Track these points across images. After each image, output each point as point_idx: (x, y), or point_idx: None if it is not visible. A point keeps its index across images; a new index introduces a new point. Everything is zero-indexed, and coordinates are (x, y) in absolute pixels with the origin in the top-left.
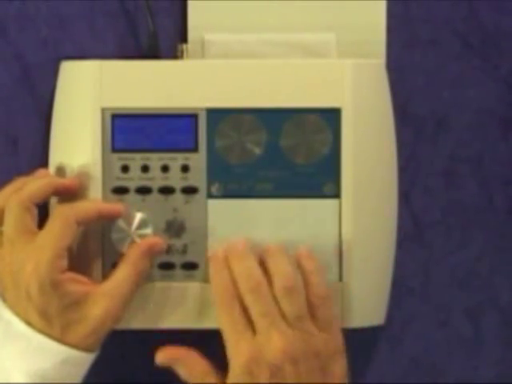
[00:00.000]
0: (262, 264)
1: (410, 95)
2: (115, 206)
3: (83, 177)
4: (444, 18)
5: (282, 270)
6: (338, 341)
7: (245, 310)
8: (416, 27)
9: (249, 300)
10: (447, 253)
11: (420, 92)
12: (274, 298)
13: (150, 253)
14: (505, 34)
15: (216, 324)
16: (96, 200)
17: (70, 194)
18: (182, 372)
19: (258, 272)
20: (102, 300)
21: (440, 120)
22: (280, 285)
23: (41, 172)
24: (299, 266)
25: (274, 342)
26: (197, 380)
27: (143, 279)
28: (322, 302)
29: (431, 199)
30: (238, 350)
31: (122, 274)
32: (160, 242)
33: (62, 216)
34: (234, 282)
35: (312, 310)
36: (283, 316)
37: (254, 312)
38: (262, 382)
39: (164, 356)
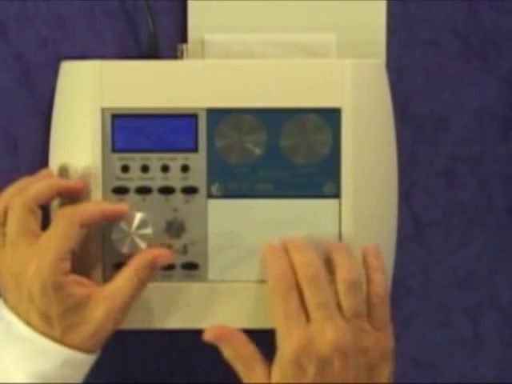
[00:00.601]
0: (326, 261)
1: (410, 95)
2: (119, 206)
3: (86, 179)
4: (444, 18)
5: (346, 263)
6: (390, 342)
7: (301, 300)
8: (416, 27)
9: (306, 288)
10: (447, 253)
11: (420, 92)
12: (333, 290)
13: (155, 263)
14: (505, 34)
15: (216, 324)
16: (99, 201)
17: (74, 195)
18: (228, 353)
19: (317, 262)
20: (104, 303)
21: (440, 120)
22: (343, 278)
23: (44, 172)
24: (365, 262)
25: (327, 333)
26: (242, 363)
27: (145, 285)
28: (380, 301)
29: (431, 199)
30: (288, 338)
31: (125, 279)
32: (166, 253)
33: (65, 218)
34: (293, 271)
35: (370, 308)
36: (340, 310)
37: (311, 301)
38: (308, 372)
39: (212, 333)
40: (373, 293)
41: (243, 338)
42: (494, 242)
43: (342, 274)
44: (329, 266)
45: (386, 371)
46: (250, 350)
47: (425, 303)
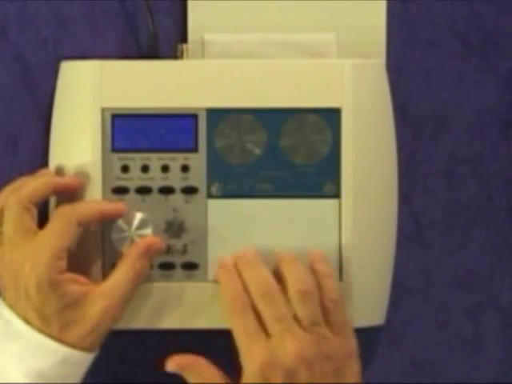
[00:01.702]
0: (276, 272)
1: (409, 95)
2: (117, 205)
3: (83, 177)
4: (444, 18)
5: (296, 274)
6: (352, 344)
7: (257, 316)
8: (416, 27)
9: (261, 305)
10: (447, 253)
11: (420, 92)
12: (287, 302)
13: (149, 253)
14: (504, 33)
15: (216, 324)
16: (97, 200)
17: (69, 192)
18: (193, 379)
19: (269, 277)
20: (101, 300)
21: (440, 120)
22: (295, 289)
23: (42, 171)
24: (313, 269)
25: (288, 345)
26: None
27: (143, 279)
28: (335, 305)
29: (431, 199)
30: (251, 355)
31: (121, 274)
32: (158, 241)
33: (63, 216)
34: (246, 289)
35: (326, 314)
36: (297, 320)
37: (267, 317)
38: None
39: (174, 363)
40: (326, 299)
41: (205, 363)
42: (493, 242)
43: (293, 286)
44: (279, 276)
45: (353, 372)
46: (213, 373)
47: (425, 303)
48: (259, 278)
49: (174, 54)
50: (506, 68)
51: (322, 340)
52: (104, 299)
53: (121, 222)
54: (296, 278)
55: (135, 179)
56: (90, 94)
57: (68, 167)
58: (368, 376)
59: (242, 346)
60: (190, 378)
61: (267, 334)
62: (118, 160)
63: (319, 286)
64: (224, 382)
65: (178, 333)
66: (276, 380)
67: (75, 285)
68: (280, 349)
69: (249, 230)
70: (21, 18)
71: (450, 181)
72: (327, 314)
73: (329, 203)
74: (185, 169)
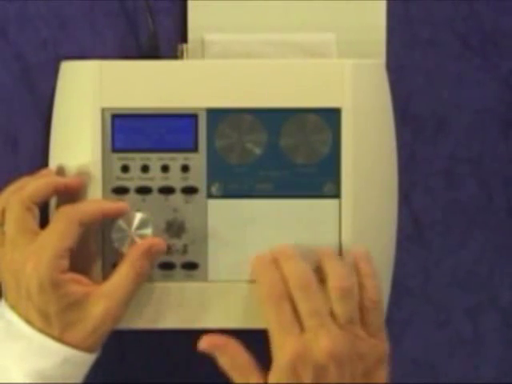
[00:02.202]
0: (316, 269)
1: (409, 95)
2: (118, 204)
3: (83, 177)
4: (444, 18)
5: (338, 270)
6: (385, 348)
7: (293, 309)
8: (416, 27)
9: (299, 297)
10: (447, 253)
11: (420, 92)
12: (325, 298)
13: (150, 253)
14: (505, 33)
15: (216, 324)
16: (98, 200)
17: (71, 193)
18: (224, 361)
19: (308, 271)
20: (102, 301)
21: (440, 120)
22: (335, 285)
23: (43, 171)
24: (356, 267)
25: (322, 341)
26: (237, 372)
27: (144, 279)
28: (374, 306)
29: (431, 199)
30: (283, 347)
31: (122, 275)
32: (160, 242)
33: (65, 216)
34: (284, 281)
35: (363, 314)
36: (333, 317)
37: (304, 310)
38: (305, 381)
39: (207, 342)
40: (366, 298)
41: (238, 346)
42: (493, 242)
43: (334, 281)
44: (320, 274)
45: (382, 377)
46: (245, 359)
47: (425, 303)
48: (298, 270)
49: (174, 54)
50: (507, 68)
51: (356, 339)
52: (105, 300)
53: (121, 222)
54: (337, 274)
55: (135, 179)
56: (90, 94)
57: (68, 167)
58: None
59: (275, 337)
60: (221, 359)
61: (302, 328)
62: (118, 160)
63: (360, 286)
64: (254, 371)
65: (178, 333)
66: (305, 374)
67: (77, 285)
68: (313, 343)
69: (249, 230)
70: (21, 18)
71: (449, 181)
72: (364, 314)
73: (329, 203)
74: (185, 169)
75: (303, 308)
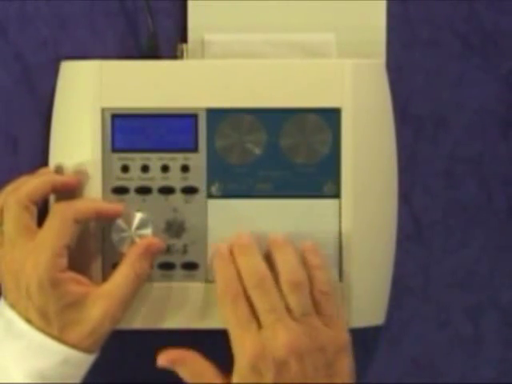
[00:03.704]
0: (268, 256)
1: (410, 95)
2: (114, 205)
3: (83, 177)
4: (444, 18)
5: (288, 264)
6: (344, 337)
7: (250, 306)
8: (416, 27)
9: (254, 295)
10: (447, 253)
11: (420, 92)
12: (280, 292)
13: (149, 253)
14: (505, 33)
15: (216, 324)
16: (95, 199)
17: (69, 191)
18: (184, 374)
19: (263, 267)
20: (101, 301)
21: (440, 120)
22: (287, 279)
23: (41, 170)
24: (304, 260)
25: (280, 336)
26: (199, 380)
27: (144, 280)
28: (326, 297)
29: (431, 199)
30: (243, 346)
31: (121, 276)
32: (158, 241)
33: (60, 214)
34: (240, 278)
35: (317, 306)
36: (289, 311)
37: (260, 307)
38: (267, 378)
39: (165, 358)
40: (316, 291)
41: (196, 356)
42: (494, 242)
43: (284, 275)
44: (271, 261)
45: (345, 366)
46: (205, 366)
47: (425, 303)
48: (252, 267)
49: (174, 54)
50: (506, 68)
51: (314, 331)
52: (104, 301)
53: (121, 222)
54: (287, 268)
55: (135, 179)
56: (90, 94)
57: (68, 167)
58: (368, 376)
59: (234, 336)
60: (181, 372)
61: (259, 325)
62: (117, 160)
63: (310, 278)
64: (216, 375)
65: (178, 333)
66: (267, 371)
67: (76, 285)
68: (272, 340)
69: (249, 230)
70: (21, 17)
71: (449, 181)
72: (318, 305)
73: (329, 203)
74: (185, 169)
75: (259, 305)
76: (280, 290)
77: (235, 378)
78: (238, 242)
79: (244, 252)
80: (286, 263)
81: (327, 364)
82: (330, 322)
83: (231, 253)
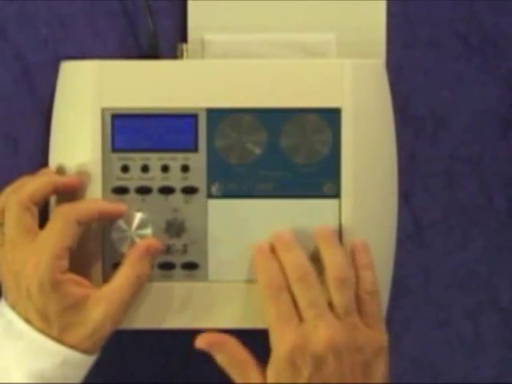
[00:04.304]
0: (312, 252)
1: (409, 95)
2: (117, 205)
3: (83, 177)
4: (444, 18)
5: (335, 260)
6: (384, 339)
7: (292, 301)
8: (416, 27)
9: (297, 289)
10: (447, 253)
11: (420, 92)
12: (323, 288)
13: (149, 254)
14: (505, 34)
15: (216, 324)
16: (97, 199)
17: (70, 191)
18: (221, 359)
19: (306, 262)
20: (102, 303)
21: (440, 120)
22: (333, 275)
23: (42, 171)
24: (353, 259)
25: (320, 332)
26: (236, 369)
27: (144, 281)
28: (370, 297)
29: (431, 199)
30: (282, 339)
31: (121, 278)
32: (156, 242)
33: (62, 215)
34: (282, 272)
35: (360, 305)
36: (331, 307)
37: (302, 301)
38: (304, 372)
39: (203, 341)
40: (362, 290)
41: (236, 343)
42: (494, 242)
43: (331, 271)
44: (318, 258)
45: (381, 368)
46: (243, 355)
47: (425, 303)
48: (296, 262)
49: (174, 54)
50: (506, 68)
51: (354, 330)
52: (105, 303)
53: (121, 222)
54: (334, 264)
55: (135, 179)
56: (90, 94)
57: (68, 167)
58: None
59: (274, 328)
60: (218, 356)
61: (300, 319)
62: (117, 160)
63: (357, 277)
64: (253, 365)
65: (178, 333)
66: (304, 366)
67: (76, 287)
68: (311, 334)
69: (249, 230)
70: (21, 17)
71: (449, 181)
72: (362, 305)
73: (329, 203)
74: (185, 169)
75: (301, 299)
76: (323, 285)
77: (271, 370)
78: (279, 239)
79: (287, 247)
80: (333, 259)
81: (364, 364)
82: (372, 322)
83: (272, 250)
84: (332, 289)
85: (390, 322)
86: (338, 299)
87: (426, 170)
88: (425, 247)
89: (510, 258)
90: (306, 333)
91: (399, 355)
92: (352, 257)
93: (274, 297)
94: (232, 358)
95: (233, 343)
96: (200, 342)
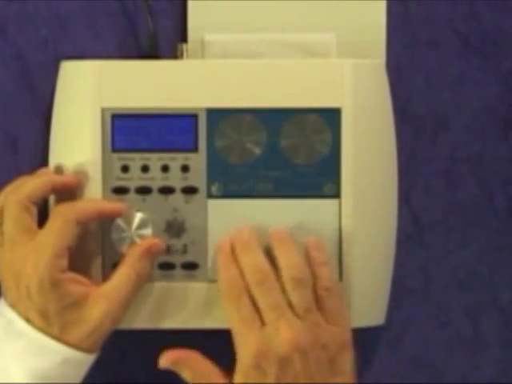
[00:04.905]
0: (270, 250)
1: (410, 95)
2: (116, 204)
3: (83, 177)
4: (444, 18)
5: (290, 260)
6: (347, 334)
7: (253, 303)
8: (416, 27)
9: (257, 292)
10: (447, 253)
11: (420, 92)
12: (282, 289)
13: (149, 254)
14: (505, 33)
15: (216, 324)
16: (97, 199)
17: (69, 191)
18: (186, 374)
19: (265, 264)
20: (102, 302)
21: (440, 120)
22: (289, 276)
23: (41, 170)
24: (308, 256)
25: (283, 333)
26: (201, 381)
27: (144, 280)
28: (329, 294)
29: (431, 199)
30: (246, 343)
31: (122, 276)
32: (158, 242)
33: (62, 215)
34: (242, 275)
35: (319, 302)
36: (291, 307)
37: (262, 304)
38: (270, 375)
39: (167, 359)
40: (319, 287)
41: (197, 357)
42: (494, 242)
43: (287, 273)
44: (273, 256)
45: (347, 362)
46: (207, 366)
47: (425, 303)
48: (255, 264)
49: (174, 54)
50: (506, 68)
51: (316, 328)
52: (105, 302)
53: (121, 222)
54: (289, 264)
55: (135, 179)
56: (89, 94)
57: (68, 167)
58: (368, 376)
59: (237, 333)
60: (183, 373)
61: (262, 322)
62: (117, 160)
63: (314, 274)
64: (219, 376)
65: (178, 333)
66: (270, 368)
67: (76, 285)
68: (274, 336)
69: (249, 225)
70: (21, 17)
71: (449, 181)
72: (321, 301)
73: (329, 203)
74: (185, 169)
75: (262, 302)
76: (282, 286)
77: (238, 377)
78: (239, 239)
79: (245, 249)
80: (288, 259)
81: (330, 361)
82: (333, 318)
83: (233, 250)
84: (289, 289)
85: (390, 322)
86: (296, 299)
87: (426, 169)
88: (425, 247)
89: (510, 258)
90: (269, 336)
91: (399, 355)
92: (307, 254)
93: (235, 301)
94: (196, 371)
95: (196, 357)
96: (164, 361)
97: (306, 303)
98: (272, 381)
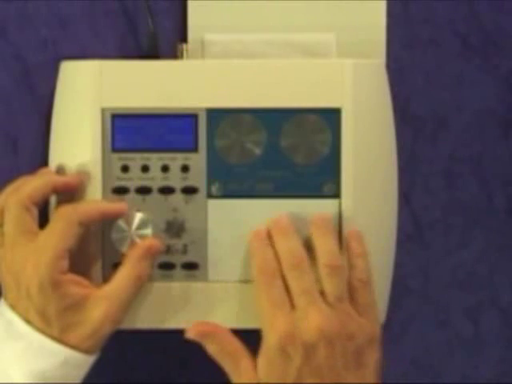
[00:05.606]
0: (306, 239)
1: (410, 95)
2: (118, 205)
3: (83, 176)
4: (444, 18)
5: (327, 248)
6: (375, 328)
7: (285, 288)
8: (416, 27)
9: (290, 276)
10: (447, 253)
11: (420, 92)
12: (317, 278)
13: (149, 254)
14: (505, 33)
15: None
16: (98, 200)
17: (70, 191)
18: (212, 349)
19: (300, 249)
20: (102, 303)
21: (440, 120)
22: (324, 263)
23: (42, 171)
24: (347, 247)
25: (311, 319)
26: (227, 358)
27: (145, 281)
28: (363, 286)
29: (431, 199)
30: (273, 325)
31: (122, 277)
32: (157, 242)
33: (64, 217)
34: (277, 259)
35: (352, 294)
36: (323, 295)
37: (294, 288)
38: (295, 360)
39: (193, 331)
40: (354, 278)
41: (226, 333)
42: (494, 242)
43: (323, 259)
44: (311, 243)
45: (373, 357)
46: (234, 344)
47: (425, 303)
48: (290, 249)
49: (174, 54)
50: (507, 68)
51: (346, 317)
52: (105, 303)
53: (121, 222)
54: (326, 252)
55: (135, 179)
56: (89, 94)
57: (68, 167)
58: None
59: (265, 315)
60: (208, 346)
61: (292, 307)
62: (117, 160)
63: (350, 265)
64: (243, 350)
65: (178, 333)
66: (295, 353)
67: (77, 287)
68: (303, 322)
69: (249, 230)
70: (21, 18)
71: (449, 181)
72: (354, 293)
73: (329, 203)
74: (185, 169)
75: (294, 287)
76: (317, 275)
77: (262, 359)
78: (276, 224)
79: (282, 233)
80: (326, 245)
81: (356, 353)
82: (364, 311)
83: (269, 235)
84: (323, 276)
85: (390, 321)
86: (329, 286)
87: (426, 169)
88: (425, 247)
89: (510, 258)
90: (297, 320)
91: (399, 355)
92: (346, 245)
93: (266, 283)
94: (223, 347)
95: (223, 333)
96: (190, 333)
97: (338, 292)
98: (296, 366)
